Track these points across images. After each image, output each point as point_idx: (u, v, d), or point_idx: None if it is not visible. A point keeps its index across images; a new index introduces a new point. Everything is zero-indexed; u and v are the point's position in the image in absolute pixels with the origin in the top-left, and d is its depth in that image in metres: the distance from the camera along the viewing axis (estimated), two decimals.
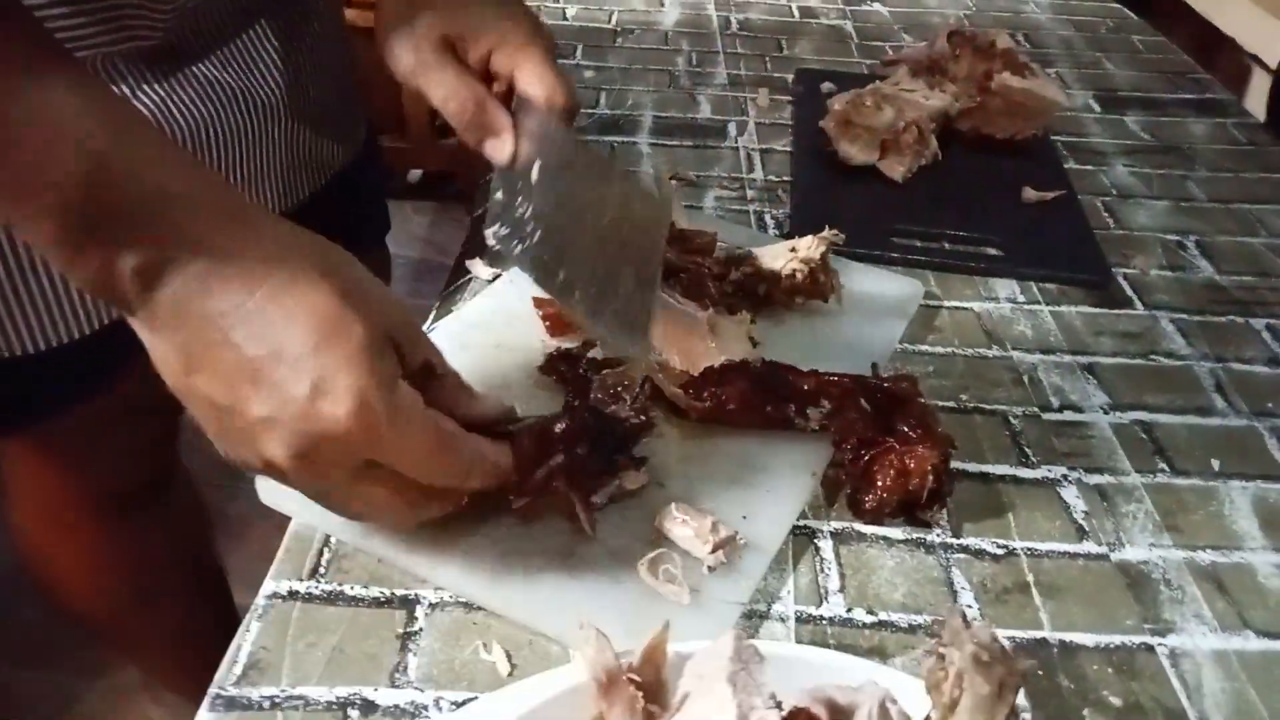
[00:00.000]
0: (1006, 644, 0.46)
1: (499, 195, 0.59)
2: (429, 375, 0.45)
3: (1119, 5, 1.31)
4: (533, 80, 0.55)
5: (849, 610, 0.48)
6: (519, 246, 0.57)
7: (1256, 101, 1.39)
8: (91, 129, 0.39)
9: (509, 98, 0.57)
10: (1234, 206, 0.86)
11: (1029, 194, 0.83)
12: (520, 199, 0.58)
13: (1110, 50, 1.17)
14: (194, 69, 0.62)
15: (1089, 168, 0.91)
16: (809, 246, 0.64)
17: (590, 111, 0.95)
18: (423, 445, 0.42)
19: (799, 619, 0.48)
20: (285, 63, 0.70)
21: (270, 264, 0.40)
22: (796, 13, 1.22)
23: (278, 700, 0.43)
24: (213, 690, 0.43)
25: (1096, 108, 1.03)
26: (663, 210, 0.54)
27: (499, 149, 0.56)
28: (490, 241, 0.59)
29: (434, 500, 0.46)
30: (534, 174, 0.56)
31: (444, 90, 0.56)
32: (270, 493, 0.51)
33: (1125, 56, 1.15)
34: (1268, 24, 1.38)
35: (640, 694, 0.36)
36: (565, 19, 1.16)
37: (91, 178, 0.38)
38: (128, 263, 0.39)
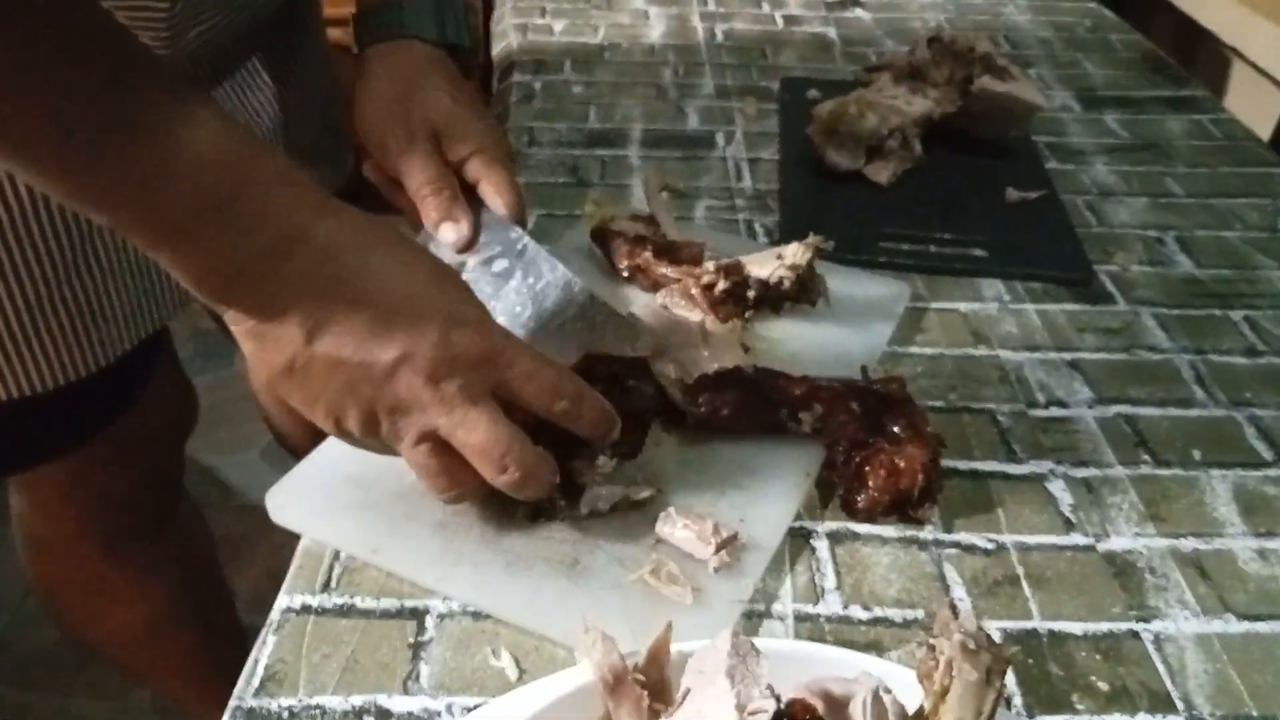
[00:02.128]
0: (996, 634, 0.48)
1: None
2: None
3: (1096, 5, 1.33)
4: (500, 189, 0.62)
5: (845, 607, 0.50)
6: None
7: (1238, 96, 1.41)
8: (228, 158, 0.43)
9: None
10: (1211, 201, 0.88)
11: (1012, 195, 0.85)
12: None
13: (1089, 50, 1.19)
14: None
15: (1070, 167, 0.93)
16: (795, 253, 0.66)
17: (580, 126, 0.97)
18: (535, 364, 0.48)
19: (797, 617, 0.49)
20: (278, 94, 0.72)
21: (374, 232, 0.47)
22: (780, 21, 1.24)
23: (296, 711, 0.44)
24: (233, 703, 0.44)
25: (1077, 108, 1.05)
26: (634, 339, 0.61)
27: (456, 231, 0.61)
28: None
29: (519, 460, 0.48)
30: (469, 263, 0.62)
31: (425, 176, 0.61)
32: (280, 510, 0.53)
33: (1103, 56, 1.18)
34: (1245, 17, 1.40)
35: (645, 693, 0.38)
36: (553, 35, 1.17)
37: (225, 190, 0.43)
38: (258, 242, 0.43)
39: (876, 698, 0.34)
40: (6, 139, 0.39)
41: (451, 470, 0.48)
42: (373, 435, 0.48)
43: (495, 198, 0.62)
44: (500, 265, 0.62)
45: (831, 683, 0.35)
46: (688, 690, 0.35)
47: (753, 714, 0.31)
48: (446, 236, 0.61)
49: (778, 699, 0.33)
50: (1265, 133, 1.12)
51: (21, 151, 0.40)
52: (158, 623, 0.95)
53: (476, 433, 0.47)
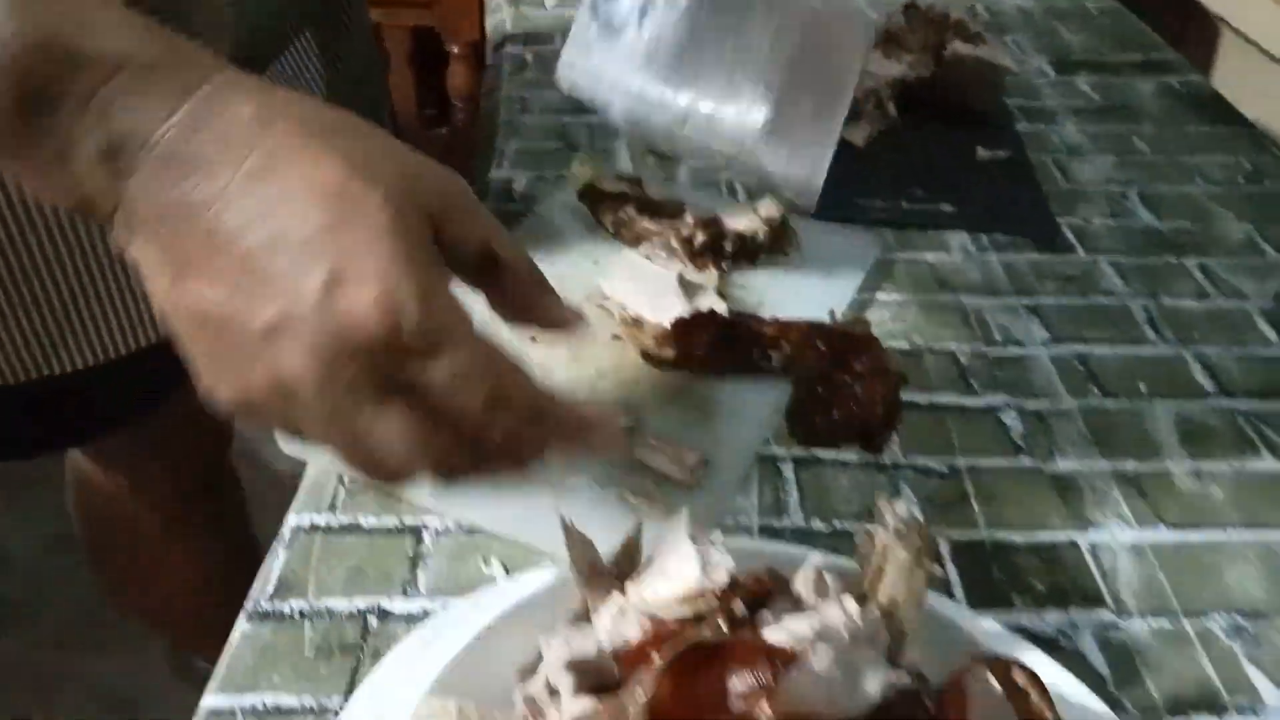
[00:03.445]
0: (945, 545, 0.53)
1: None
2: (489, 264, 0.39)
3: None
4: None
5: (807, 521, 0.55)
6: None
7: (1226, 64, 1.43)
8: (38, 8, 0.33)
9: None
10: (1176, 159, 0.92)
11: (981, 154, 0.89)
12: None
13: (1066, 18, 1.22)
14: None
15: (1040, 127, 0.97)
16: (769, 207, 0.70)
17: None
18: (468, 354, 0.34)
19: (761, 530, 0.54)
20: (325, 72, 0.74)
21: (255, 133, 0.34)
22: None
23: (306, 612, 0.49)
24: (249, 605, 0.49)
25: (1051, 72, 1.09)
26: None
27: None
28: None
29: (477, 456, 0.38)
30: None
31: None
32: (289, 441, 0.57)
33: (1080, 23, 1.21)
34: None
35: (619, 583, 0.43)
36: (544, 8, 1.21)
37: (37, 53, 0.33)
38: (88, 147, 0.34)
39: (819, 573, 0.38)
40: None
41: (360, 464, 0.37)
42: (264, 417, 0.36)
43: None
44: None
45: (780, 563, 0.39)
46: (651, 557, 0.39)
47: (714, 568, 0.36)
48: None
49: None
50: (1256, 110, 1.15)
51: None
52: (205, 584, 0.98)
53: (380, 429, 0.35)
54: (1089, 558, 0.53)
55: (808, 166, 0.56)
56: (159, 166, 0.34)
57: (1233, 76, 1.39)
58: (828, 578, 0.39)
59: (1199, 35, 1.48)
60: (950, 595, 0.51)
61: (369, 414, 0.35)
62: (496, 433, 0.37)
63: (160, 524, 0.90)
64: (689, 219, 0.72)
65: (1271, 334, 0.70)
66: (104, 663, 1.43)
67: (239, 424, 0.40)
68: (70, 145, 0.34)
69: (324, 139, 0.34)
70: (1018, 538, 0.54)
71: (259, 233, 0.33)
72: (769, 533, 0.54)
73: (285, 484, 0.53)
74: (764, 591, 0.37)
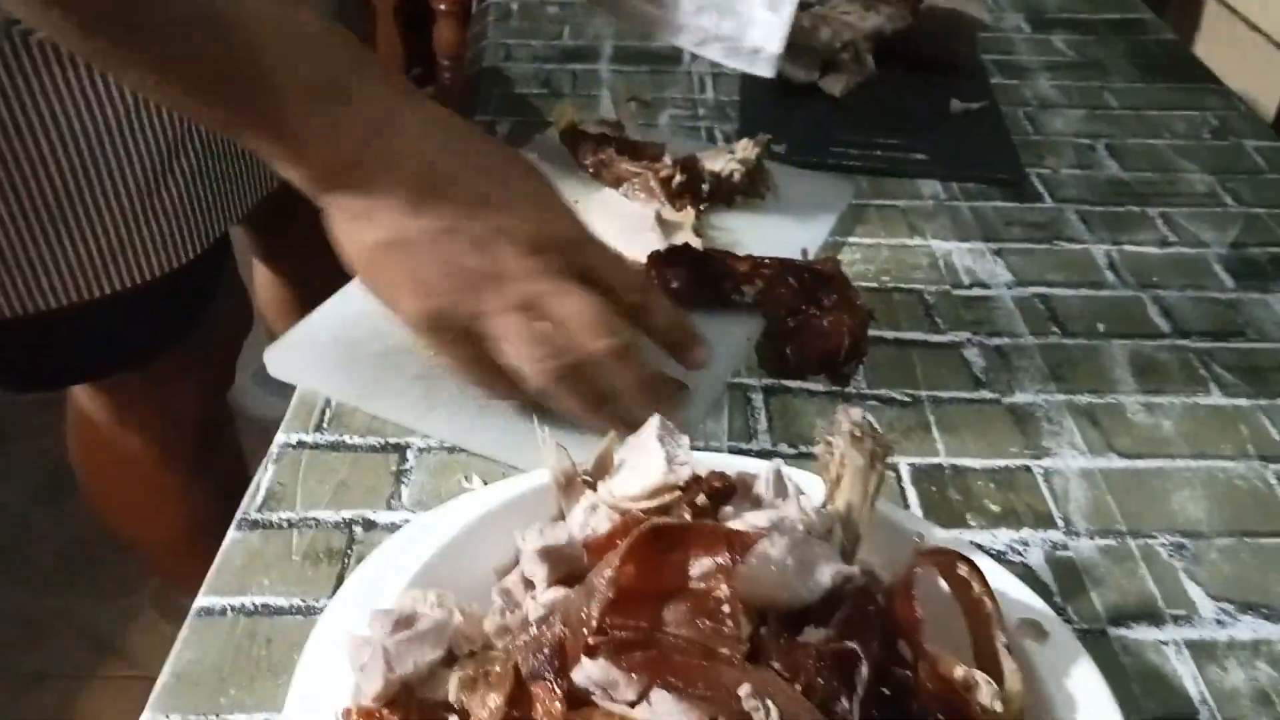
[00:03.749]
0: (905, 468, 0.55)
1: None
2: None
3: None
4: None
5: (774, 445, 0.57)
6: None
7: (1209, 35, 1.44)
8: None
9: None
10: (1145, 113, 0.95)
11: (955, 105, 0.91)
12: None
13: None
14: None
15: (1014, 82, 0.99)
16: (745, 148, 0.72)
17: (554, 42, 1.02)
18: (618, 256, 0.54)
19: (730, 452, 0.56)
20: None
21: (460, 123, 0.52)
22: None
23: (294, 521, 0.51)
24: (238, 515, 0.51)
25: (1027, 29, 1.10)
26: None
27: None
28: None
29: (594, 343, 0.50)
30: None
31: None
32: (277, 364, 0.59)
33: None
34: None
35: (592, 487, 0.45)
36: None
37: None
38: (360, 122, 0.48)
39: (778, 475, 0.41)
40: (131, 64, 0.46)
41: (538, 340, 0.49)
42: (465, 303, 0.49)
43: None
44: None
45: (742, 469, 0.42)
46: (623, 460, 0.42)
47: (680, 464, 0.38)
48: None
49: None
50: (1237, 78, 1.16)
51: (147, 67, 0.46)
52: (201, 527, 1.00)
53: (572, 300, 0.50)
54: (1042, 482, 0.56)
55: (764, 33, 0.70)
56: (423, 128, 0.50)
57: (1215, 44, 1.41)
58: (786, 480, 0.41)
59: (1183, 3, 1.49)
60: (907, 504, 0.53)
61: (562, 282, 0.50)
62: (656, 317, 0.55)
63: (157, 460, 0.92)
64: (667, 160, 0.74)
65: (1228, 279, 0.73)
66: (89, 606, 1.46)
67: (428, 333, 0.51)
68: (346, 113, 0.48)
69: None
70: (975, 463, 0.57)
71: (492, 174, 0.51)
72: (738, 455, 0.56)
73: (269, 431, 0.56)
74: (727, 488, 0.39)
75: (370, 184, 0.49)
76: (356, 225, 0.50)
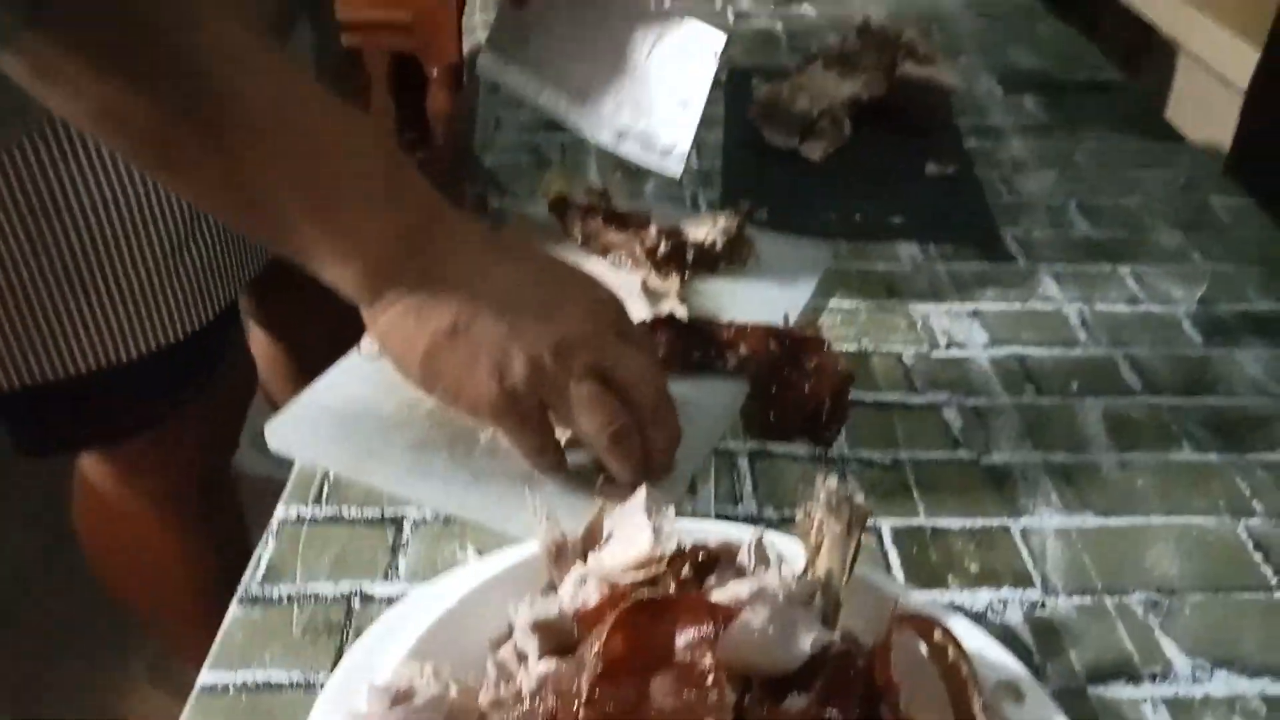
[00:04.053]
0: (887, 531, 0.57)
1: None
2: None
3: None
4: None
5: (760, 509, 0.59)
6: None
7: (1182, 87, 1.48)
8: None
9: None
10: (1115, 173, 0.98)
11: (931, 169, 0.94)
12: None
13: (1016, 39, 1.28)
14: None
15: (989, 144, 1.02)
16: (727, 217, 0.75)
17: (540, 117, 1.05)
18: (647, 356, 0.57)
19: (718, 516, 0.58)
20: (315, 70, 0.80)
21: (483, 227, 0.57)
22: (731, 17, 1.32)
23: (293, 595, 0.52)
24: (240, 590, 0.53)
25: (999, 91, 1.14)
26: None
27: None
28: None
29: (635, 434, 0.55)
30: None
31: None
32: (277, 439, 0.61)
33: (1029, 44, 1.27)
34: (1191, 13, 1.47)
35: (582, 558, 0.46)
36: None
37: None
38: (414, 213, 0.52)
39: (760, 543, 0.42)
40: (179, 178, 0.50)
41: (607, 406, 0.53)
42: (536, 379, 0.52)
43: None
44: None
45: (726, 537, 0.43)
46: (612, 532, 0.43)
47: (666, 537, 0.40)
48: None
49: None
50: (1210, 130, 1.20)
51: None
52: (201, 589, 1.01)
53: (639, 361, 0.55)
54: (1020, 541, 0.58)
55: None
56: (454, 224, 0.54)
57: (1188, 98, 1.45)
58: (768, 548, 0.43)
59: (1155, 60, 1.54)
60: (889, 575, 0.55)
61: (627, 347, 0.55)
62: (662, 415, 0.56)
63: (160, 521, 0.94)
64: (653, 230, 0.76)
65: (1196, 336, 0.75)
66: (84, 671, 1.45)
67: (501, 415, 0.54)
68: (400, 215, 0.53)
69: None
70: (954, 524, 0.58)
71: (555, 285, 0.56)
72: (725, 520, 0.58)
73: (267, 492, 0.58)
74: (711, 559, 0.41)
75: (426, 269, 0.52)
76: (411, 319, 0.52)
